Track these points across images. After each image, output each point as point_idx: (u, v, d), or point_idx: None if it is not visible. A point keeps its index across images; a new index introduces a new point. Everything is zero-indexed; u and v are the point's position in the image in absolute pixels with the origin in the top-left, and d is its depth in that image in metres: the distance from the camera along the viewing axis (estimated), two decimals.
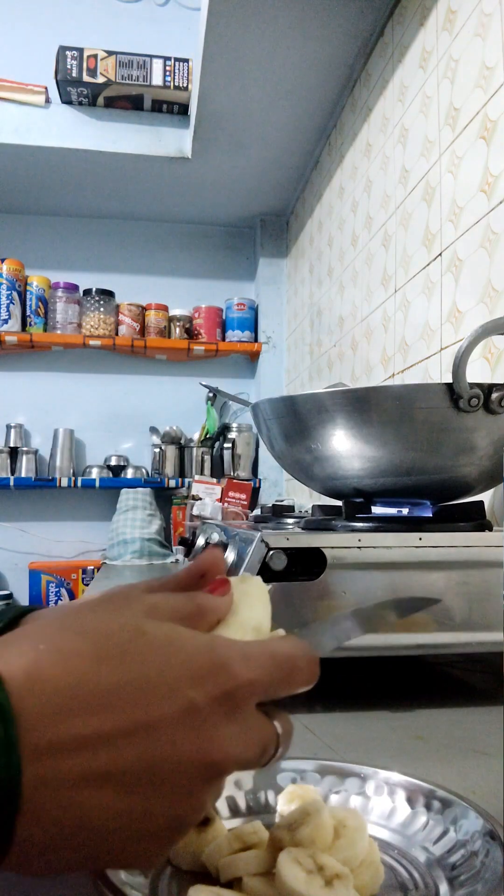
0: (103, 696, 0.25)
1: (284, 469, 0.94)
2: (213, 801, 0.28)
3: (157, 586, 0.33)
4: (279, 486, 2.48)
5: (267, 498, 2.43)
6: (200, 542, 0.91)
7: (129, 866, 0.27)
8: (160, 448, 2.44)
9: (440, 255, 1.14)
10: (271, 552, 0.62)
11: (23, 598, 2.38)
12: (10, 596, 2.39)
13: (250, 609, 0.33)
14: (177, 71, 1.97)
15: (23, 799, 0.23)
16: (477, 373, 0.99)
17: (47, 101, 2.02)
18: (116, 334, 2.44)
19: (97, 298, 2.40)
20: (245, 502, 2.09)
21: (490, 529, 0.73)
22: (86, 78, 1.94)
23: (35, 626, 0.28)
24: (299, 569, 0.62)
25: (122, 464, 2.45)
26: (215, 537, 0.82)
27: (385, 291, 1.42)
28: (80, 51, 1.94)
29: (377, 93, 1.49)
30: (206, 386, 1.97)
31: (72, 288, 2.42)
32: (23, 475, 2.36)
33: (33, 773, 0.23)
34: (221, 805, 0.39)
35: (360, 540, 0.63)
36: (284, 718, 0.30)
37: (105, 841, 0.25)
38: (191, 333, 2.50)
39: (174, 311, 2.48)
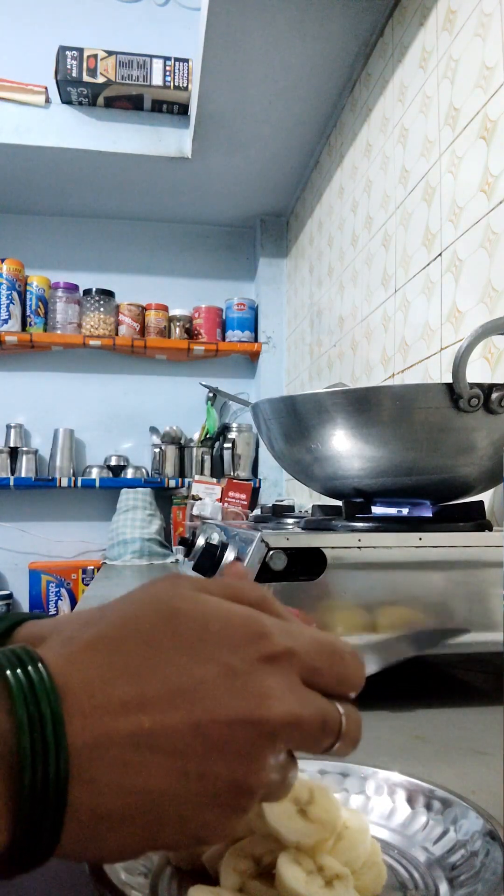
0: (140, 666, 0.25)
1: (284, 469, 0.94)
2: (275, 766, 0.27)
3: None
4: (279, 486, 2.48)
5: (267, 498, 2.43)
6: (200, 542, 0.91)
7: (198, 840, 0.26)
8: (160, 448, 2.44)
9: (440, 255, 1.14)
10: (271, 552, 0.62)
11: (23, 598, 2.38)
12: (10, 596, 2.39)
13: None
14: (177, 71, 1.97)
15: (72, 763, 0.23)
16: (477, 373, 0.99)
17: (47, 101, 2.02)
18: (116, 334, 2.44)
19: (97, 298, 2.40)
20: (245, 502, 2.09)
21: (490, 529, 0.73)
22: (86, 78, 1.94)
23: (64, 623, 0.28)
24: (299, 569, 0.62)
25: (122, 464, 2.45)
26: (215, 537, 0.82)
27: (385, 291, 1.42)
28: (80, 51, 1.94)
29: (377, 93, 1.49)
30: (206, 386, 1.97)
31: (72, 288, 2.42)
32: (23, 475, 2.36)
33: (80, 735, 0.23)
34: None
35: (360, 540, 0.63)
36: (350, 707, 0.29)
37: (167, 809, 0.25)
38: (191, 333, 2.50)
39: (174, 311, 2.48)
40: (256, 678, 0.26)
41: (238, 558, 0.68)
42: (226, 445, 2.46)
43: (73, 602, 2.26)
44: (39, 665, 0.24)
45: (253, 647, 0.27)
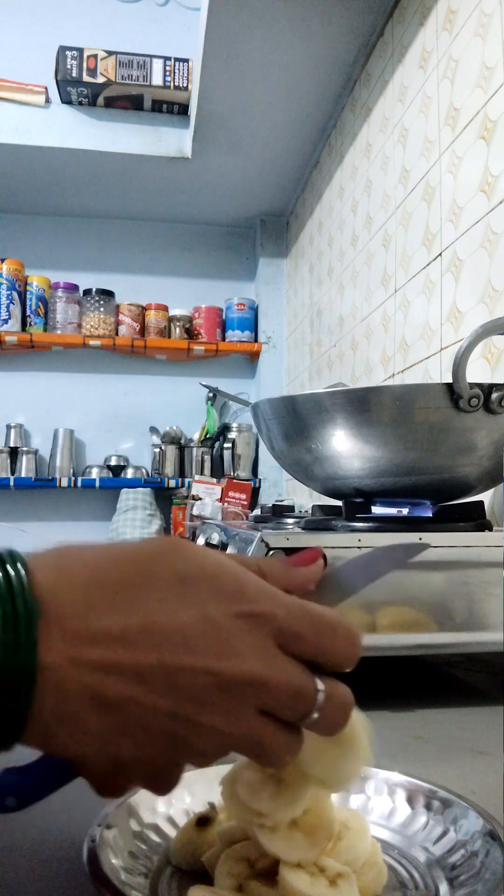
0: (127, 595, 0.27)
1: (284, 469, 0.94)
2: (239, 721, 0.28)
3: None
4: (279, 486, 2.48)
5: (267, 498, 2.43)
6: (200, 542, 0.91)
7: (147, 763, 0.28)
8: (160, 448, 2.44)
9: (440, 255, 1.14)
10: (271, 552, 0.62)
11: None
12: None
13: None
14: (177, 71, 1.97)
15: (42, 673, 0.25)
16: (477, 373, 0.99)
17: (47, 101, 2.02)
18: (116, 334, 2.44)
19: (97, 298, 2.40)
20: (245, 502, 2.09)
21: (490, 529, 0.73)
22: (86, 78, 1.93)
23: (66, 544, 0.30)
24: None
25: (122, 464, 2.45)
26: (215, 537, 0.82)
27: (385, 291, 1.42)
28: (80, 51, 1.94)
29: (377, 93, 1.49)
30: (206, 386, 1.97)
31: (72, 288, 2.42)
32: (23, 475, 2.36)
33: (55, 653, 0.25)
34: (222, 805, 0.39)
35: (360, 540, 0.63)
36: (336, 685, 0.29)
37: (122, 726, 0.27)
38: (191, 333, 2.50)
39: (174, 311, 2.48)
40: (228, 632, 0.27)
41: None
42: (226, 445, 2.46)
43: None
44: (21, 569, 0.26)
45: (234, 604, 0.28)
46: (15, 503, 2.45)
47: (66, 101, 2.01)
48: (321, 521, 0.80)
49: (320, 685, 0.29)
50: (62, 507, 2.48)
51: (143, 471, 2.45)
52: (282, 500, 2.14)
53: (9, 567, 0.26)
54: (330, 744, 0.30)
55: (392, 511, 0.82)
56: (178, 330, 2.47)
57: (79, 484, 2.35)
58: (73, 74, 1.93)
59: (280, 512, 1.08)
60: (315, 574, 0.34)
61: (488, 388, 0.69)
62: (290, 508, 1.21)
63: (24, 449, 2.40)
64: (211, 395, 2.51)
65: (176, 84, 1.97)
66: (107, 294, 2.42)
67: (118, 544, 0.29)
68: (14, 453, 2.39)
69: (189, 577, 0.28)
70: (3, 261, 2.31)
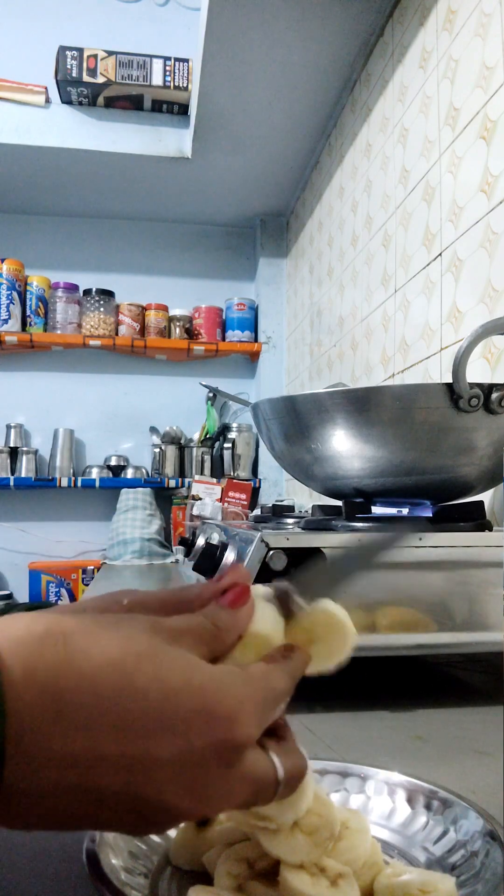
0: (105, 709, 0.24)
1: (284, 469, 0.94)
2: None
3: (173, 602, 0.32)
4: (279, 486, 2.47)
5: (267, 498, 2.43)
6: (200, 542, 0.91)
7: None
8: (160, 448, 2.44)
9: (440, 255, 1.14)
10: (271, 552, 0.62)
11: (23, 599, 2.38)
12: (10, 596, 2.39)
13: (259, 622, 0.31)
14: (177, 71, 1.97)
15: (3, 794, 0.23)
16: (477, 373, 0.99)
17: (47, 101, 2.01)
18: (116, 334, 2.44)
19: (97, 298, 2.40)
20: (245, 502, 2.09)
21: (490, 529, 0.73)
22: (86, 78, 1.93)
23: (45, 611, 0.27)
24: (299, 569, 0.62)
25: (122, 464, 2.45)
26: (215, 537, 0.82)
27: (385, 291, 1.42)
28: (80, 51, 1.94)
29: (377, 93, 1.49)
30: (206, 386, 1.96)
31: (72, 288, 2.42)
32: (23, 475, 2.36)
33: (16, 779, 0.23)
34: None
35: (360, 540, 0.63)
36: (291, 760, 0.29)
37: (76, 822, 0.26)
38: (191, 333, 2.50)
39: (174, 311, 2.48)
40: (205, 772, 0.26)
41: (238, 558, 0.68)
42: (226, 445, 2.46)
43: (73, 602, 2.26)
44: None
45: (218, 731, 0.26)
46: (15, 503, 2.45)
47: (66, 101, 2.01)
48: (321, 521, 0.80)
49: (280, 773, 0.28)
50: (62, 507, 2.48)
51: (143, 471, 2.45)
52: (282, 500, 2.14)
53: None
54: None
55: (392, 511, 0.82)
56: (178, 330, 2.47)
57: (79, 484, 2.35)
58: (73, 74, 1.93)
59: (280, 512, 1.08)
60: (247, 618, 0.31)
61: (488, 388, 0.69)
62: (290, 508, 1.21)
63: (24, 449, 2.40)
64: (211, 395, 2.51)
65: (176, 84, 1.97)
66: (107, 294, 2.42)
67: (102, 633, 0.26)
68: (14, 453, 2.39)
69: (172, 697, 0.25)
70: (3, 261, 2.30)
